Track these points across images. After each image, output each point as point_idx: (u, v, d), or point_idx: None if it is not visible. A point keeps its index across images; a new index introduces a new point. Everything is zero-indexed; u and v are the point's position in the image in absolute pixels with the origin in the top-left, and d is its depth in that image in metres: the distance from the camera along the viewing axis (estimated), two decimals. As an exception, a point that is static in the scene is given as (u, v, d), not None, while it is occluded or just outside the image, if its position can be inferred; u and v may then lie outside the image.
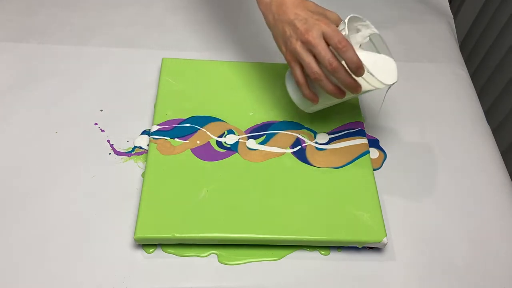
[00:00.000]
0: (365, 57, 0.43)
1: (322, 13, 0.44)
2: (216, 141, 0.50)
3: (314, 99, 0.46)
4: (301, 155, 0.49)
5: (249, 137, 0.50)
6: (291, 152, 0.49)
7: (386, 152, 0.53)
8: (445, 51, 0.65)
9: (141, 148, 0.51)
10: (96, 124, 0.52)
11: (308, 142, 0.50)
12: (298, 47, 0.43)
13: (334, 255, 0.45)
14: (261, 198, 0.46)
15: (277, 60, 0.59)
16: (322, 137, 0.51)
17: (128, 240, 0.44)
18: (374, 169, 0.51)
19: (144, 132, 0.52)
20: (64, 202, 0.46)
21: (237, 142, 0.50)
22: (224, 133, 0.51)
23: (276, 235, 0.43)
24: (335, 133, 0.52)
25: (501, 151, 0.56)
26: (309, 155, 0.49)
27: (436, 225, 0.47)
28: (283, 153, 0.49)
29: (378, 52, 0.47)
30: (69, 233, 0.44)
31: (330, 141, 0.51)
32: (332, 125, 0.52)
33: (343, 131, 0.52)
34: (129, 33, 0.63)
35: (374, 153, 0.52)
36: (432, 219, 0.48)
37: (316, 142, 0.50)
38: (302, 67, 0.44)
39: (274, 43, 0.63)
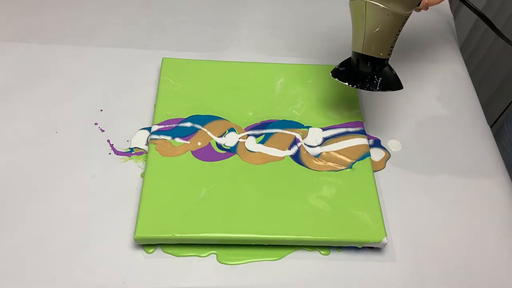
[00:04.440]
0: None
1: None
2: (216, 143, 0.50)
3: None
4: (299, 160, 0.49)
5: (248, 135, 0.50)
6: (290, 156, 0.49)
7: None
8: (445, 51, 0.65)
9: (139, 148, 0.51)
10: (96, 124, 0.52)
11: (301, 142, 0.50)
12: None
13: (334, 255, 0.45)
14: (261, 198, 0.46)
15: (277, 60, 0.60)
16: (316, 135, 0.51)
17: (128, 240, 0.44)
18: (380, 170, 0.51)
19: (140, 130, 0.52)
20: (64, 202, 0.46)
21: (237, 143, 0.50)
22: (225, 131, 0.51)
23: (276, 235, 0.43)
24: (332, 129, 0.52)
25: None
26: (305, 160, 0.49)
27: (436, 225, 0.47)
28: (283, 157, 0.49)
29: None
30: (69, 233, 0.44)
31: (324, 140, 0.51)
32: (330, 124, 0.52)
33: (342, 128, 0.52)
34: (129, 33, 0.63)
35: (379, 153, 0.52)
36: (432, 219, 0.48)
37: (308, 145, 0.50)
38: None
39: (273, 43, 0.64)
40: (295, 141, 0.50)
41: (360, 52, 0.45)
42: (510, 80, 1.01)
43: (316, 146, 0.50)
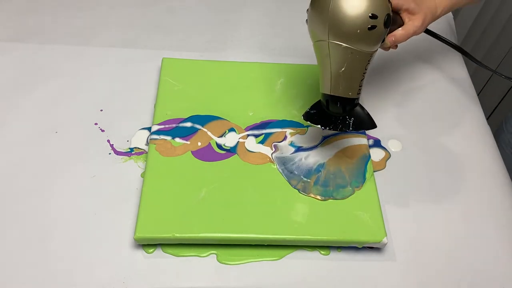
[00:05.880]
0: None
1: None
2: (216, 143, 0.50)
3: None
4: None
5: (248, 135, 0.50)
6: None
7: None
8: (445, 51, 0.65)
9: (139, 148, 0.51)
10: (96, 124, 0.52)
11: (288, 139, 0.50)
12: None
13: (334, 255, 0.45)
14: (261, 198, 0.46)
15: (277, 60, 0.59)
16: (314, 134, 0.51)
17: (128, 240, 0.44)
18: (380, 170, 0.51)
19: (140, 130, 0.52)
20: (64, 202, 0.46)
21: (237, 143, 0.50)
22: (225, 131, 0.51)
23: (276, 235, 0.43)
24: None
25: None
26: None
27: (436, 225, 0.47)
28: None
29: None
30: (69, 233, 0.44)
31: (324, 139, 0.51)
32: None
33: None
34: (129, 33, 0.63)
35: (379, 153, 0.52)
36: (432, 219, 0.48)
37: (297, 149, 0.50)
38: None
39: (273, 43, 0.63)
40: (285, 138, 0.51)
41: (329, 93, 0.44)
42: (509, 81, 1.01)
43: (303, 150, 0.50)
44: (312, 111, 0.47)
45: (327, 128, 0.46)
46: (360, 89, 0.44)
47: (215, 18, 0.66)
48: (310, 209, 0.45)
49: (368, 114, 0.46)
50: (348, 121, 0.45)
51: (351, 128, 0.45)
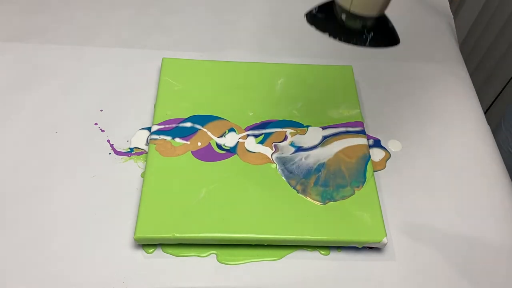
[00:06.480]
0: None
1: None
2: (216, 143, 0.50)
3: None
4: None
5: (248, 135, 0.50)
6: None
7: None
8: (445, 51, 0.65)
9: (139, 148, 0.51)
10: (96, 124, 0.52)
11: (289, 138, 0.50)
12: None
13: (334, 255, 0.45)
14: (260, 198, 0.46)
15: (277, 60, 0.60)
16: (314, 134, 0.51)
17: (128, 240, 0.44)
18: (380, 170, 0.51)
19: (140, 130, 0.52)
20: (64, 202, 0.46)
21: (237, 143, 0.50)
22: (225, 132, 0.51)
23: (276, 235, 0.43)
24: (331, 128, 0.52)
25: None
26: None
27: (436, 224, 0.47)
28: None
29: None
30: (69, 233, 0.44)
31: (324, 139, 0.51)
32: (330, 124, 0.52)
33: (341, 127, 0.52)
34: (129, 33, 0.63)
35: (379, 153, 0.52)
36: (432, 219, 0.48)
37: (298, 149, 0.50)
38: None
39: (273, 43, 0.64)
40: (285, 138, 0.50)
41: (348, 9, 0.36)
42: (509, 80, 1.02)
43: (305, 150, 0.50)
44: (319, 15, 0.39)
45: (337, 39, 0.38)
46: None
47: (215, 18, 0.66)
48: (310, 209, 0.45)
49: (392, 28, 0.38)
50: (366, 35, 0.38)
51: (367, 44, 0.38)
